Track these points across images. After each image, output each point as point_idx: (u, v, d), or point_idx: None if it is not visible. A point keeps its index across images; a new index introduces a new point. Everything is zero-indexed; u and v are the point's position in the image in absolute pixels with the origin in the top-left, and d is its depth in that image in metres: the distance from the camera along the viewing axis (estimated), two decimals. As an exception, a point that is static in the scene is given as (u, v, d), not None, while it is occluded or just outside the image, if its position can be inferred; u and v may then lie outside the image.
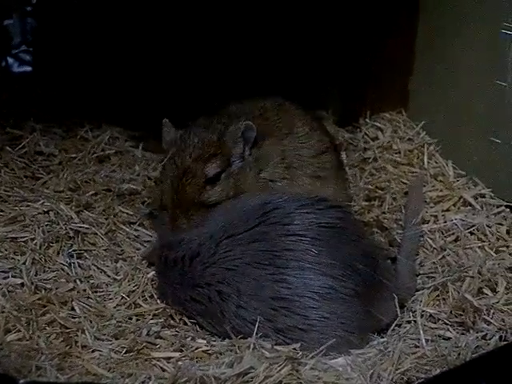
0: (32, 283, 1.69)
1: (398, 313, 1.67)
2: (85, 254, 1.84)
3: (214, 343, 1.61)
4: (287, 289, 1.57)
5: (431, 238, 1.94)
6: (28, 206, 1.91)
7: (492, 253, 1.86)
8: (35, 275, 1.73)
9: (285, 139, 1.90)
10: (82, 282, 1.75)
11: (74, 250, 1.83)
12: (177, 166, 1.79)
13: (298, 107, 2.01)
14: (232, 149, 1.82)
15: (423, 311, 1.71)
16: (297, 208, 1.64)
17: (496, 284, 1.73)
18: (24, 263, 1.74)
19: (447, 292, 1.74)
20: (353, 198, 2.10)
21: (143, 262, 1.84)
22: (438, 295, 1.76)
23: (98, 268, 1.81)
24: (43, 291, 1.69)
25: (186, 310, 1.70)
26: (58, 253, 1.81)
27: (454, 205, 2.04)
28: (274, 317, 1.57)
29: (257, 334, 1.55)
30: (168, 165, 1.81)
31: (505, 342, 1.57)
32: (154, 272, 1.79)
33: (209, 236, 1.67)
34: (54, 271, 1.76)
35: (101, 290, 1.75)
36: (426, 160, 2.21)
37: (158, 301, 1.73)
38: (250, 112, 1.91)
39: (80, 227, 1.89)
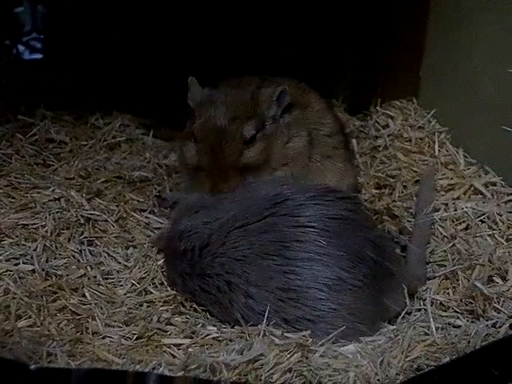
0: (43, 270, 1.69)
1: (407, 302, 1.67)
2: (95, 240, 1.85)
3: (225, 330, 1.61)
4: (296, 280, 1.57)
5: (442, 226, 1.94)
6: (39, 193, 1.92)
7: (502, 241, 1.85)
8: (46, 262, 1.74)
9: (305, 112, 1.91)
10: (92, 268, 1.76)
11: (84, 237, 1.84)
12: (213, 127, 1.78)
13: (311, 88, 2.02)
14: (266, 111, 1.83)
15: (433, 299, 1.71)
16: (307, 199, 1.64)
17: (506, 272, 1.73)
18: (35, 250, 1.75)
19: (457, 280, 1.74)
20: (358, 176, 2.11)
21: (153, 248, 1.84)
22: (448, 283, 1.76)
23: (108, 255, 1.82)
24: (54, 278, 1.70)
25: (196, 299, 1.70)
26: (69, 240, 1.82)
27: (464, 193, 2.04)
28: (283, 308, 1.57)
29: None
30: (204, 126, 1.79)
31: (515, 330, 1.57)
32: (163, 260, 1.80)
33: (219, 226, 1.68)
34: (64, 258, 1.77)
35: (111, 276, 1.76)
36: (436, 148, 2.20)
37: (169, 288, 1.74)
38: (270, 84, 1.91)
39: (91, 214, 1.89)
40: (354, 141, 2.30)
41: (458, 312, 1.68)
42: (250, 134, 1.78)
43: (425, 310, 1.68)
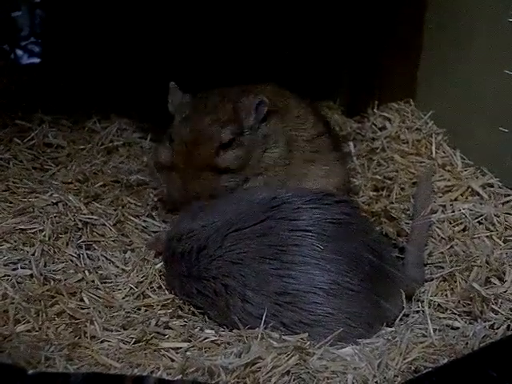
0: (41, 274, 1.69)
1: (404, 305, 1.68)
2: (93, 244, 1.85)
3: (223, 333, 1.61)
4: (292, 284, 1.57)
5: (439, 228, 1.94)
6: (37, 197, 1.92)
7: (500, 242, 1.85)
8: (44, 266, 1.73)
9: (284, 118, 1.92)
10: (90, 272, 1.76)
11: (82, 241, 1.84)
12: (191, 128, 1.80)
13: (292, 93, 2.02)
14: (244, 120, 1.84)
15: (431, 301, 1.71)
16: (304, 203, 1.64)
17: (504, 273, 1.73)
18: (33, 254, 1.75)
19: (455, 282, 1.75)
20: (348, 177, 2.10)
21: (151, 252, 1.84)
22: (446, 285, 1.76)
23: (106, 259, 1.82)
24: (52, 282, 1.70)
25: (194, 302, 1.70)
26: (67, 244, 1.81)
27: (462, 194, 2.04)
28: (280, 312, 1.57)
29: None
30: (181, 126, 1.82)
31: (512, 332, 1.57)
32: (161, 263, 1.80)
33: (216, 229, 1.68)
34: (62, 262, 1.77)
35: (109, 280, 1.76)
36: (433, 150, 2.21)
37: (167, 291, 1.74)
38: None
39: (89, 218, 1.89)
40: (351, 143, 2.31)
41: (455, 313, 1.68)
42: (227, 138, 1.81)
43: (423, 311, 1.68)
